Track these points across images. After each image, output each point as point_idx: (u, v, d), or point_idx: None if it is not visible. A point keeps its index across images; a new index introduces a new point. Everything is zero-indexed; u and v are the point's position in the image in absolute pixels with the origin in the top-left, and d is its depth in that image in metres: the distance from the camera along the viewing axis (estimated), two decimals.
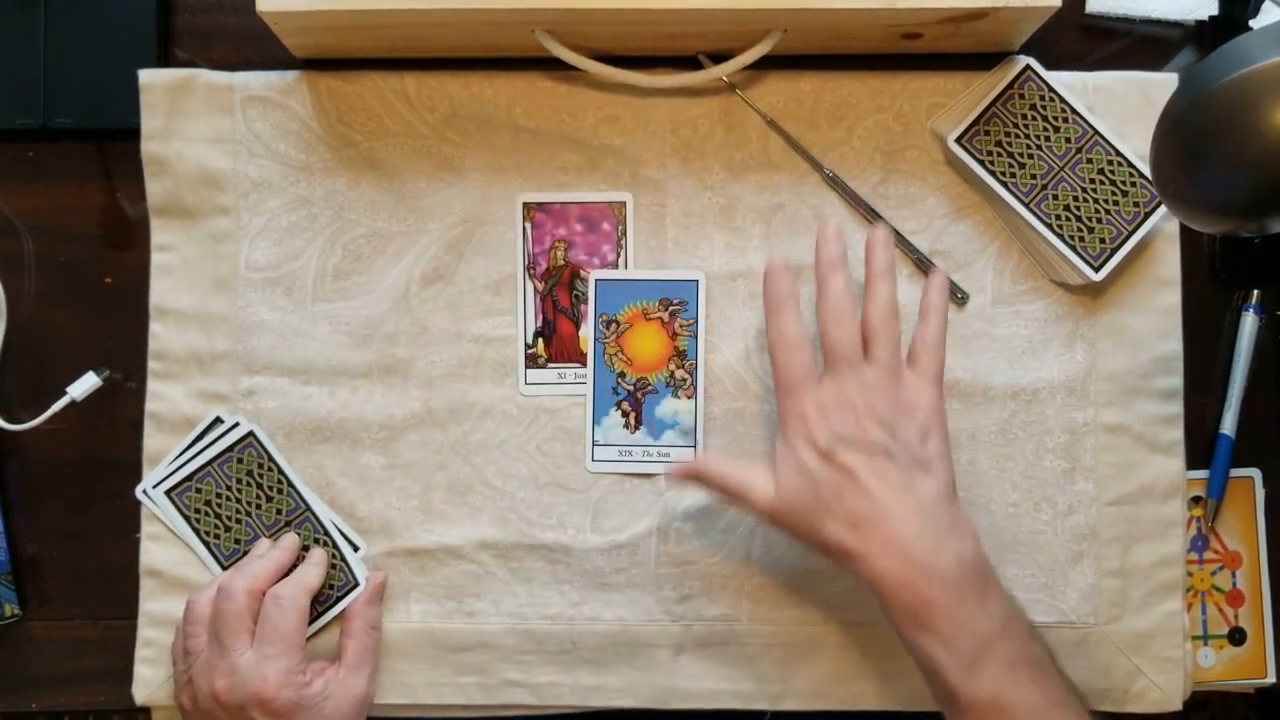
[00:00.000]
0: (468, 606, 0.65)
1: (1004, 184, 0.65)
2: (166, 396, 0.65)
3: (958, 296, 0.66)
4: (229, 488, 0.65)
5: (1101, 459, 0.66)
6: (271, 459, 0.65)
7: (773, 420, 0.65)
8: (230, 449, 0.65)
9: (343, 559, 0.65)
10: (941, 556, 0.53)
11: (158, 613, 0.65)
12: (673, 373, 0.66)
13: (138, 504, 0.65)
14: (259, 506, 0.65)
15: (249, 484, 0.65)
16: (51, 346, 0.67)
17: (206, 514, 0.65)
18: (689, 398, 0.66)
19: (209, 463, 0.65)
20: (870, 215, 0.66)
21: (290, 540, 0.64)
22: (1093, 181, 0.65)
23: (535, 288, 0.66)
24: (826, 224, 0.60)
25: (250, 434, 0.65)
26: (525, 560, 0.65)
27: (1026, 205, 0.65)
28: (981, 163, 0.65)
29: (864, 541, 0.54)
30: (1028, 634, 0.55)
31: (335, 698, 0.60)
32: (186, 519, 0.65)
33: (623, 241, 0.66)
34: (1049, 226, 0.64)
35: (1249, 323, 0.68)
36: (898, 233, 0.66)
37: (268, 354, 0.66)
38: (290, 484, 0.65)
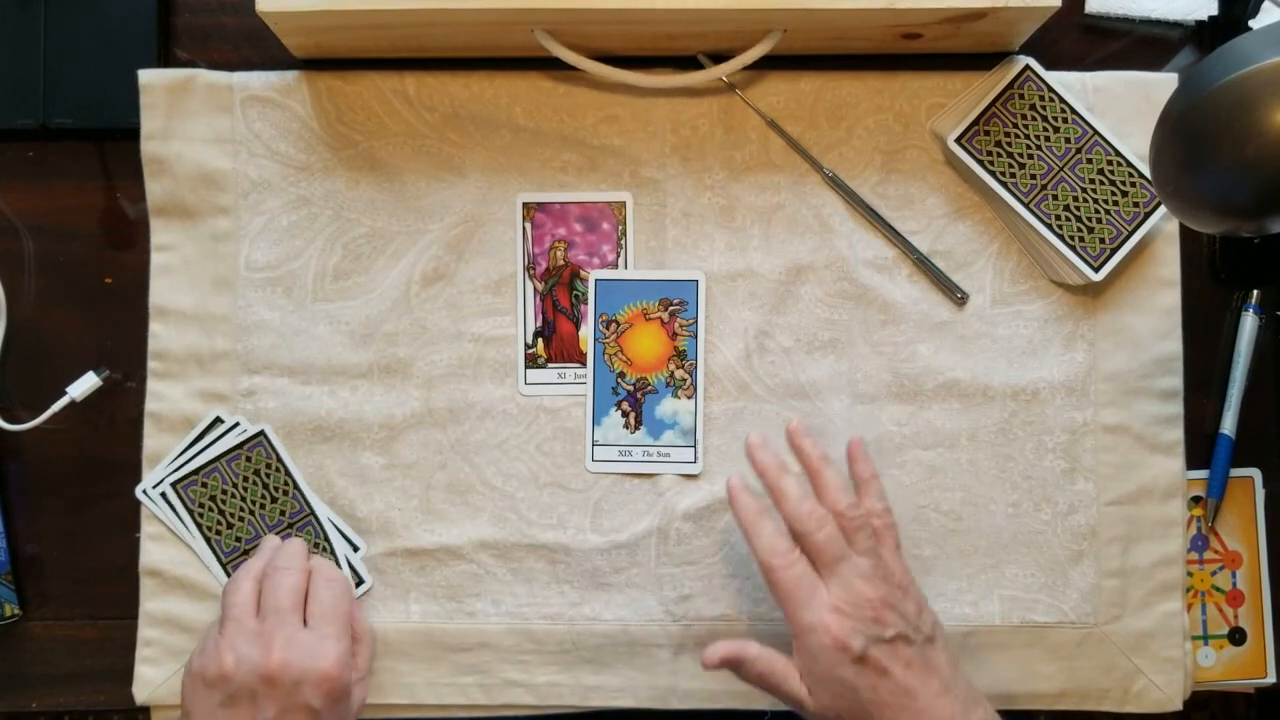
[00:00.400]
0: (468, 606, 0.65)
1: (1004, 184, 0.65)
2: (166, 396, 0.65)
3: (957, 296, 0.66)
4: (235, 485, 0.65)
5: (1101, 459, 0.66)
6: (280, 460, 0.65)
7: (772, 420, 0.66)
8: (240, 446, 0.65)
9: (341, 558, 0.65)
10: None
11: (158, 612, 0.65)
12: (672, 373, 0.66)
13: (138, 504, 0.65)
14: (263, 506, 0.65)
15: (255, 483, 0.65)
16: (51, 346, 0.67)
17: (210, 510, 0.65)
18: (689, 398, 0.66)
19: (217, 458, 0.65)
20: (870, 215, 0.66)
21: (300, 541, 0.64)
22: (1092, 181, 0.65)
23: (535, 288, 0.66)
24: (748, 438, 0.60)
25: (261, 433, 0.65)
26: (525, 560, 0.65)
27: (1026, 205, 0.65)
28: (981, 163, 0.65)
29: None
30: None
31: (357, 698, 0.61)
32: (190, 513, 0.65)
33: (623, 241, 0.66)
34: (1049, 226, 0.64)
35: (1249, 323, 0.68)
36: (897, 232, 0.66)
37: (268, 354, 0.66)
38: (296, 485, 0.65)
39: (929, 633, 0.57)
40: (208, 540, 0.65)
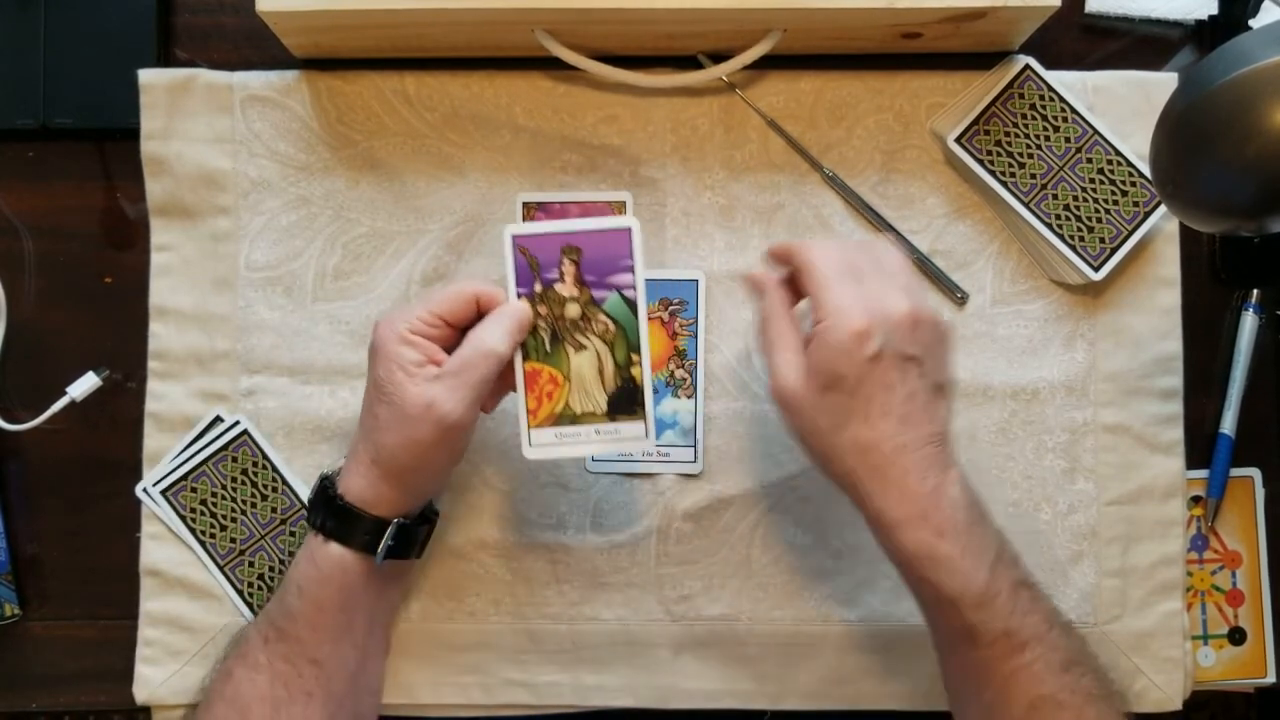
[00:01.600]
0: (468, 606, 0.65)
1: (1004, 184, 0.65)
2: (166, 396, 0.65)
3: (957, 296, 0.66)
4: (224, 486, 0.65)
5: (1101, 459, 0.66)
6: (266, 457, 0.65)
7: (773, 420, 0.66)
8: (225, 448, 0.65)
9: None
10: (949, 486, 0.52)
11: (158, 612, 0.65)
12: (672, 372, 0.66)
13: (138, 504, 0.65)
14: (254, 505, 0.65)
15: (244, 483, 0.65)
16: (51, 346, 0.67)
17: (202, 513, 0.65)
18: (689, 397, 0.66)
19: (204, 462, 0.65)
20: (870, 215, 0.66)
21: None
22: (1092, 181, 0.65)
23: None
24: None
25: (245, 433, 0.65)
26: (525, 560, 0.65)
27: (1026, 205, 0.65)
28: (981, 162, 0.65)
29: (883, 469, 0.52)
30: (1014, 554, 0.54)
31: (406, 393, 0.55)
32: (182, 519, 0.65)
33: None
34: (1049, 226, 0.64)
35: (1249, 322, 0.68)
36: (897, 232, 0.66)
37: (267, 354, 0.66)
38: (285, 482, 0.65)
39: (943, 385, 0.53)
40: (202, 544, 0.65)
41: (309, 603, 0.57)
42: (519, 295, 0.56)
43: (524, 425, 0.56)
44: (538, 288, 0.56)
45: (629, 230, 0.56)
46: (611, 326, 0.56)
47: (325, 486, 0.58)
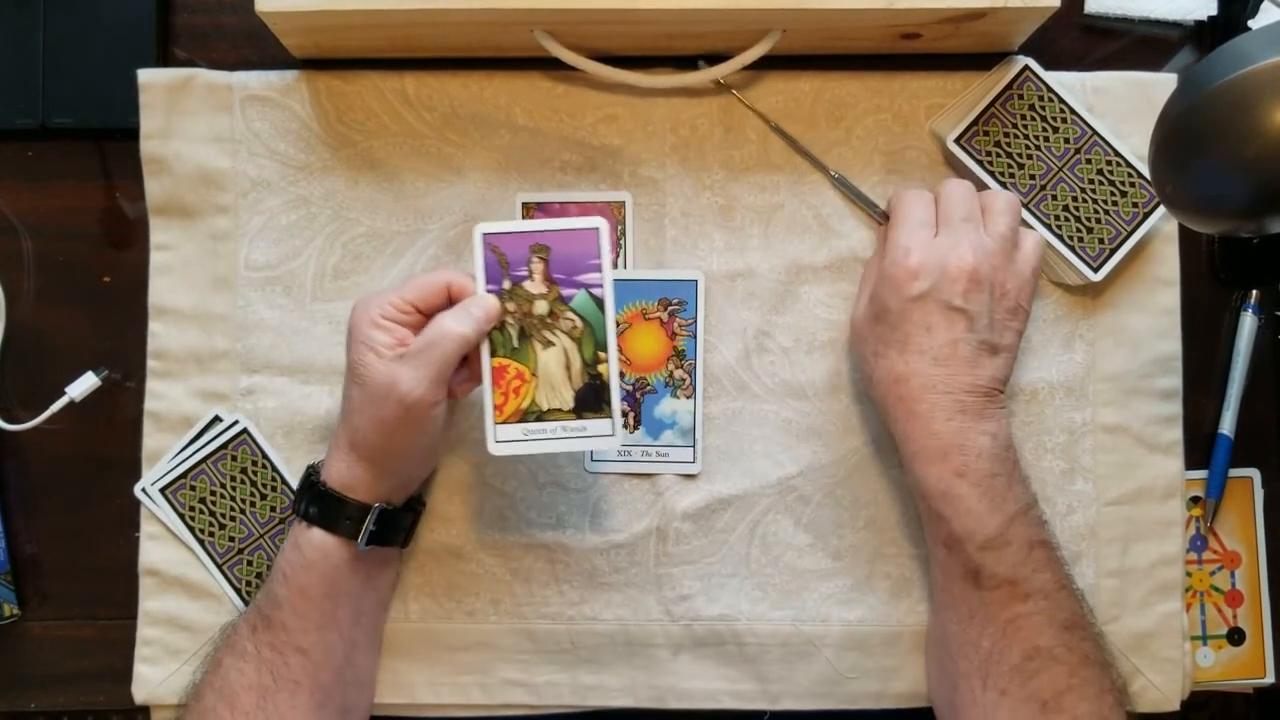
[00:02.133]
0: (467, 606, 0.65)
1: (1003, 184, 0.65)
2: (166, 396, 0.65)
3: (876, 216, 0.66)
4: (223, 485, 0.65)
5: (1100, 459, 0.66)
6: (265, 456, 0.65)
7: (772, 420, 0.66)
8: (224, 447, 0.65)
9: None
10: (978, 435, 0.56)
11: (157, 612, 0.65)
12: (671, 372, 0.66)
13: (137, 503, 0.65)
14: (253, 504, 0.65)
15: (242, 482, 0.65)
16: (50, 346, 0.67)
17: (201, 512, 0.65)
18: (688, 397, 0.66)
19: (203, 460, 0.65)
20: (877, 216, 0.66)
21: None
22: (1091, 182, 0.65)
23: None
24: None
25: (244, 431, 0.65)
26: (524, 560, 0.65)
27: (1025, 205, 0.65)
28: (980, 163, 0.65)
29: (909, 402, 0.56)
30: (1041, 518, 0.57)
31: (375, 375, 0.55)
32: (181, 517, 0.65)
33: (622, 241, 0.66)
34: (1048, 227, 0.64)
35: (1248, 323, 0.68)
36: None
37: (267, 353, 0.66)
38: (284, 481, 0.65)
39: (995, 343, 0.57)
40: (201, 544, 0.65)
41: (294, 589, 0.57)
42: (488, 292, 0.56)
43: (489, 421, 0.56)
44: (506, 285, 0.56)
45: (597, 230, 0.56)
46: (579, 324, 0.56)
47: (309, 474, 0.59)
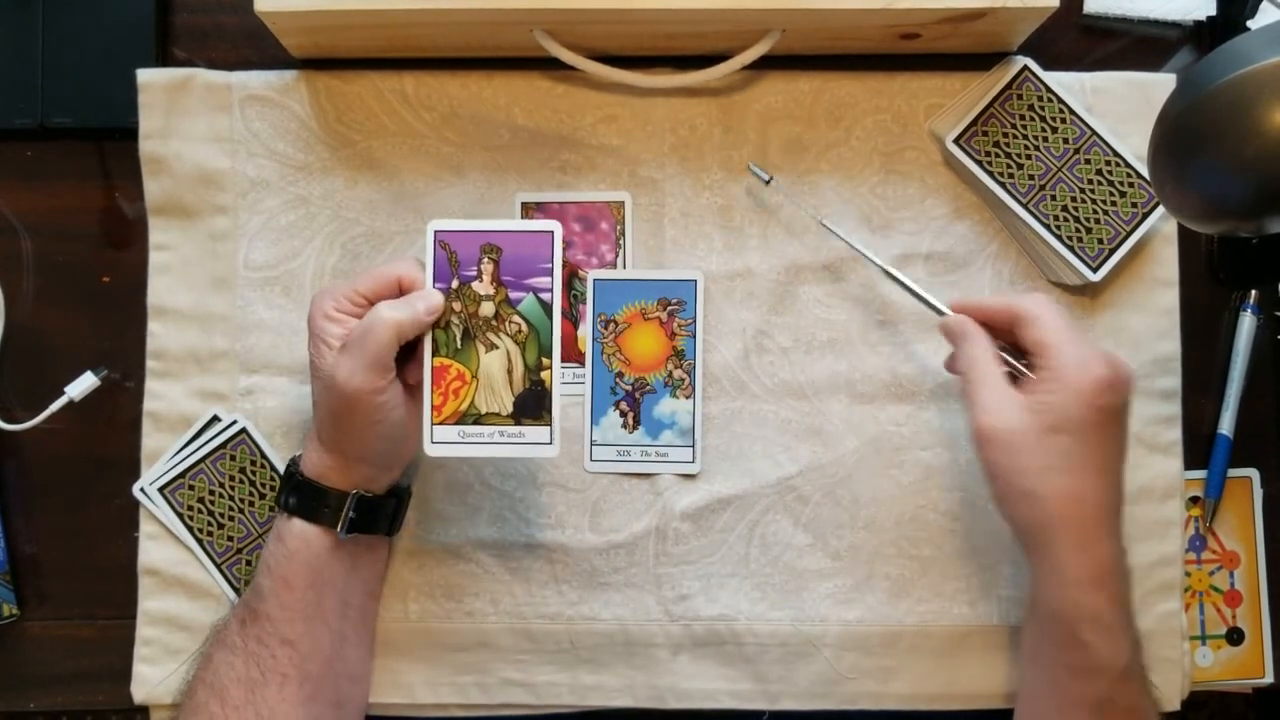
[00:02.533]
0: (466, 606, 0.65)
1: (1002, 185, 0.65)
2: (165, 396, 0.65)
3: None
4: (221, 485, 0.65)
5: None
6: (264, 456, 0.65)
7: (771, 420, 0.66)
8: (223, 446, 0.65)
9: None
10: (1124, 558, 0.53)
11: (156, 612, 0.65)
12: (671, 372, 0.66)
13: (136, 503, 0.65)
14: (251, 504, 0.65)
15: (241, 481, 0.65)
16: (50, 346, 0.67)
17: (199, 511, 0.65)
18: (687, 397, 0.66)
19: (202, 460, 0.65)
20: (932, 309, 0.61)
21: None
22: (1091, 182, 0.65)
23: None
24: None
25: (243, 431, 0.65)
26: (523, 560, 0.65)
27: (1025, 206, 0.65)
28: (980, 163, 0.65)
29: (1085, 526, 0.52)
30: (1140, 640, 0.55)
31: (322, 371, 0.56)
32: (180, 517, 0.65)
33: (621, 241, 0.66)
34: (1047, 227, 0.64)
35: (1247, 323, 0.68)
36: (933, 304, 0.61)
37: (266, 353, 0.66)
38: None
39: (1125, 443, 0.55)
40: (200, 543, 0.65)
41: (277, 580, 0.57)
42: (436, 289, 0.56)
43: (427, 420, 0.56)
44: (455, 283, 0.56)
45: (551, 234, 0.56)
46: (524, 328, 0.56)
47: (290, 466, 0.59)
